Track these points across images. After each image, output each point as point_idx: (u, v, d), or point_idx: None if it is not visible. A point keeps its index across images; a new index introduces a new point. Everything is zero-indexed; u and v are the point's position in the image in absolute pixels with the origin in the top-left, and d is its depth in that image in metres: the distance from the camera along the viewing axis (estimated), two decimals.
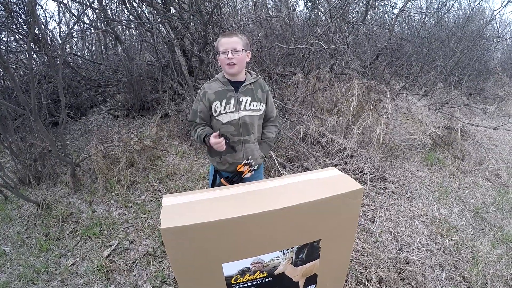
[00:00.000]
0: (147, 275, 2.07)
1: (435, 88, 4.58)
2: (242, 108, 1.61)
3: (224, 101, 1.58)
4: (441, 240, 2.52)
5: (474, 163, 3.72)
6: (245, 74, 1.66)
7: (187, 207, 1.28)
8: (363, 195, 2.81)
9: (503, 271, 2.26)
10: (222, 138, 1.52)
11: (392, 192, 2.90)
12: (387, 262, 2.17)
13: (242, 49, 1.54)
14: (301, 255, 1.42)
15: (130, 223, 2.55)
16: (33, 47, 3.31)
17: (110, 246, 2.32)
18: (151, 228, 2.46)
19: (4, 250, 2.47)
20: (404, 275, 2.10)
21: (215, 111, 1.60)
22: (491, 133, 4.77)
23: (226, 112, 1.60)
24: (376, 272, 2.05)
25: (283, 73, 3.95)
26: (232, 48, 1.51)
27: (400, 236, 2.47)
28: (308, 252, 1.43)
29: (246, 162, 1.67)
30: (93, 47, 5.51)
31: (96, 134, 3.22)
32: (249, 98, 1.62)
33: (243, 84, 1.61)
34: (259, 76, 1.74)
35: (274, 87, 3.47)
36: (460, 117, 4.31)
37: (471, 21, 5.72)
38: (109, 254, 2.25)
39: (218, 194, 1.40)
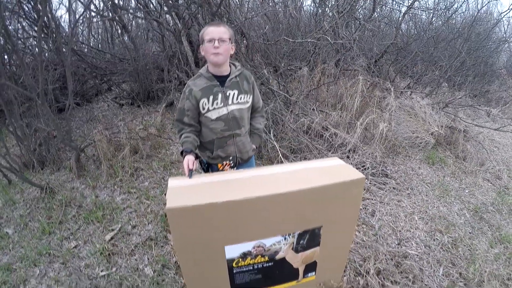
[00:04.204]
0: (148, 259, 2.10)
1: (440, 87, 4.59)
2: (230, 102, 1.59)
3: (211, 97, 1.56)
4: (439, 236, 2.54)
5: (475, 164, 3.74)
6: (230, 66, 1.64)
7: (192, 189, 1.30)
8: (364, 189, 2.83)
9: (500, 270, 2.28)
10: (192, 170, 1.45)
11: (393, 188, 2.92)
12: (385, 255, 2.19)
13: (229, 39, 1.53)
14: (302, 241, 1.44)
15: (133, 208, 2.58)
16: (42, 34, 3.32)
17: (113, 230, 2.36)
18: (154, 214, 2.49)
19: (6, 232, 2.50)
20: (402, 269, 2.13)
21: (203, 108, 1.57)
22: (493, 136, 4.79)
23: (215, 108, 1.58)
24: (375, 264, 2.07)
25: (289, 67, 3.96)
26: (219, 38, 1.48)
27: (399, 231, 2.49)
28: (309, 238, 1.45)
29: (227, 162, 1.69)
30: (99, 37, 5.53)
31: (101, 121, 3.25)
32: (236, 92, 1.60)
33: (229, 78, 1.59)
34: (243, 67, 1.73)
35: (280, 80, 3.48)
36: (463, 118, 4.32)
37: (478, 23, 5.71)
38: (111, 238, 2.28)
39: (223, 177, 1.42)
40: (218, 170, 1.71)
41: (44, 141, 3.20)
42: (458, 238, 2.55)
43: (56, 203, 2.68)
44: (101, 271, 2.03)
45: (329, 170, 1.47)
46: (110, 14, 3.86)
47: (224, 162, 1.69)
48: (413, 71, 4.90)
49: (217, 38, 1.48)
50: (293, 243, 1.43)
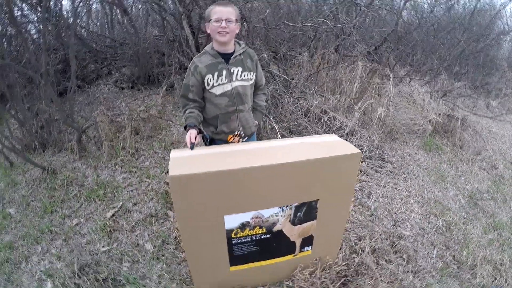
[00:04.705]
0: (148, 235, 2.15)
1: (439, 76, 4.60)
2: (234, 79, 1.64)
3: (216, 74, 1.60)
4: (434, 220, 2.59)
5: (472, 152, 3.78)
6: (234, 44, 1.68)
7: (194, 159, 1.34)
8: (361, 171, 2.88)
9: (493, 255, 2.32)
10: (194, 144, 1.49)
11: (390, 171, 2.97)
12: (381, 235, 2.23)
13: (235, 20, 1.56)
14: (299, 213, 1.49)
15: (134, 186, 2.62)
16: (46, 18, 3.31)
17: (114, 207, 2.40)
18: (154, 191, 2.53)
19: (9, 212, 2.55)
20: (396, 248, 2.16)
21: (208, 84, 1.62)
22: (491, 126, 4.83)
23: (219, 84, 1.62)
24: (370, 243, 2.11)
25: (289, 52, 3.97)
26: (227, 18, 1.52)
27: (395, 213, 2.54)
28: (306, 211, 1.50)
29: (236, 133, 1.73)
30: (98, 22, 5.51)
31: (102, 103, 3.28)
32: (240, 69, 1.65)
33: (233, 55, 1.63)
34: (247, 46, 1.76)
35: (279, 63, 3.49)
36: (462, 108, 4.35)
37: (480, 14, 5.68)
38: (113, 215, 2.33)
39: (223, 149, 1.46)
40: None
41: (46, 123, 3.23)
42: (453, 222, 2.60)
43: (58, 183, 2.72)
44: (102, 246, 2.08)
45: (326, 145, 1.51)
46: None
47: (236, 132, 1.73)
48: (412, 59, 4.90)
49: (224, 18, 1.51)
50: (290, 215, 1.48)
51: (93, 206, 2.46)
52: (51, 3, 3.09)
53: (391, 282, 1.89)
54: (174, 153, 1.41)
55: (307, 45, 4.09)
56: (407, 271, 2.00)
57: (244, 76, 1.67)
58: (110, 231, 2.19)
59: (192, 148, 1.43)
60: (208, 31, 1.61)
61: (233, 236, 1.45)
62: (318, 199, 1.48)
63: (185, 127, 1.58)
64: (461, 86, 4.86)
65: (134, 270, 1.91)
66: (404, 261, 2.06)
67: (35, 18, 3.43)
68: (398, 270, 1.96)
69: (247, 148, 1.48)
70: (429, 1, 5.15)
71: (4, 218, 2.48)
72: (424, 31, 4.68)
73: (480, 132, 4.19)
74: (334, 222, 1.66)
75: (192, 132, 1.50)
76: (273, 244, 1.55)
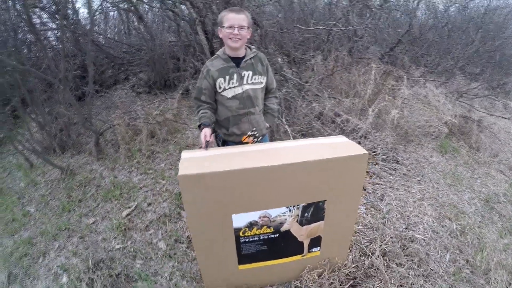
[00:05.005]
0: (162, 234, 2.21)
1: (454, 77, 4.50)
2: (244, 82, 1.69)
3: (227, 77, 1.66)
4: (448, 223, 2.53)
5: (489, 155, 3.67)
6: (245, 49, 1.73)
7: (203, 159, 1.39)
8: (374, 174, 2.85)
9: (508, 260, 2.24)
10: (208, 142, 1.55)
11: (403, 174, 2.93)
12: (392, 238, 2.21)
13: (247, 27, 1.62)
14: (306, 213, 1.51)
15: (149, 187, 2.70)
16: (63, 25, 3.46)
17: (129, 207, 2.48)
18: (169, 192, 2.60)
19: (28, 210, 2.68)
20: (408, 252, 2.13)
21: (220, 87, 1.68)
22: (510, 128, 4.66)
23: (230, 88, 1.68)
24: (381, 246, 2.10)
25: (302, 55, 4.00)
26: (239, 25, 1.57)
27: (408, 216, 2.50)
28: (314, 211, 1.51)
29: (250, 133, 1.77)
30: (116, 28, 5.70)
31: (119, 107, 3.39)
32: (250, 73, 1.70)
33: (244, 60, 1.69)
34: (258, 50, 1.81)
35: (293, 66, 3.52)
36: (478, 109, 4.23)
37: (494, 12, 5.53)
38: (128, 215, 2.41)
39: (232, 150, 1.50)
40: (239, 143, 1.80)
41: (65, 126, 3.36)
42: (467, 226, 2.53)
43: (76, 184, 2.83)
44: (117, 244, 2.16)
45: (334, 146, 1.52)
46: (126, 5, 3.98)
47: (250, 133, 1.77)
48: (427, 60, 4.82)
49: (237, 26, 1.57)
50: (298, 215, 1.50)
51: (109, 205, 2.55)
52: (69, 11, 3.22)
53: (401, 285, 1.87)
54: (185, 154, 1.46)
55: (321, 48, 4.10)
56: (418, 275, 1.97)
57: (255, 79, 1.72)
58: (125, 229, 2.27)
59: (207, 146, 1.49)
60: (220, 36, 1.67)
61: (241, 235, 1.48)
62: (325, 200, 1.50)
63: (199, 126, 1.64)
64: (478, 86, 4.72)
65: (147, 267, 1.97)
66: (416, 265, 2.02)
67: (54, 26, 3.59)
68: (409, 274, 1.94)
69: (255, 149, 1.52)
70: (444, 1, 5.06)
71: (24, 216, 2.61)
72: (438, 31, 4.59)
73: (498, 133, 4.07)
74: (342, 223, 1.66)
75: (207, 131, 1.56)
76: (281, 244, 1.57)
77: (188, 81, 3.78)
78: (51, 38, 3.95)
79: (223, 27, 1.60)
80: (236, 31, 1.57)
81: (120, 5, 4.02)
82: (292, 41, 3.80)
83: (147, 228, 2.27)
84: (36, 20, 3.78)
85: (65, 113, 3.10)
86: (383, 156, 2.95)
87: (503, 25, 5.29)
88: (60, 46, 3.38)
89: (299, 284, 1.75)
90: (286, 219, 1.49)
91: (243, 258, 1.57)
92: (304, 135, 3.08)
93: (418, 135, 3.55)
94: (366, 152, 1.44)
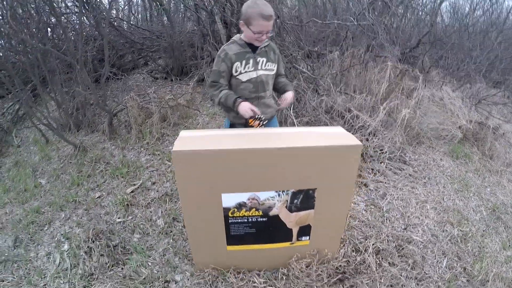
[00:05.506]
0: (162, 212, 2.30)
1: (474, 83, 4.34)
2: (259, 68, 1.78)
3: (243, 62, 1.73)
4: (449, 228, 2.47)
5: (502, 164, 3.54)
6: None
7: (199, 138, 1.44)
8: (379, 172, 2.82)
9: (509, 273, 2.18)
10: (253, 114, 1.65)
11: (409, 175, 2.88)
12: (388, 237, 2.19)
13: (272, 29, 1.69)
14: (296, 200, 1.52)
15: (155, 167, 2.80)
16: (83, 9, 3.58)
17: (134, 185, 2.59)
18: (173, 173, 2.67)
19: (40, 182, 2.85)
20: (403, 252, 2.10)
21: (236, 71, 1.74)
22: None
23: (246, 72, 1.75)
24: (375, 244, 2.07)
25: (321, 52, 3.99)
26: (267, 31, 1.65)
27: (408, 216, 2.46)
28: (303, 199, 1.53)
29: (256, 117, 1.80)
30: (139, 15, 5.84)
31: (134, 89, 3.50)
32: (264, 59, 1.79)
33: (259, 47, 1.76)
34: (270, 40, 1.88)
35: (307, 60, 3.53)
36: (496, 116, 4.07)
37: None
38: (132, 192, 2.51)
39: (230, 132, 1.55)
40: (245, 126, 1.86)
41: (81, 106, 3.51)
42: (470, 233, 2.46)
43: (87, 160, 2.97)
44: (118, 218, 2.27)
45: (328, 135, 1.53)
46: None
47: (256, 116, 1.79)
48: (447, 63, 4.67)
49: (265, 32, 1.64)
50: (287, 201, 1.52)
51: (115, 182, 2.66)
52: None
53: (391, 286, 1.86)
54: (183, 133, 1.51)
55: (339, 44, 4.07)
56: (411, 277, 1.95)
57: (268, 66, 1.81)
58: (128, 205, 2.38)
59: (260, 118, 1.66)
60: (243, 29, 1.72)
61: (230, 215, 1.52)
62: (316, 188, 1.51)
63: (234, 102, 1.68)
64: (497, 93, 4.53)
65: (144, 241, 2.06)
66: (409, 266, 2.00)
67: (76, 10, 3.72)
68: (400, 275, 1.92)
69: (253, 132, 1.56)
70: (470, 2, 4.88)
71: (35, 187, 2.77)
72: (460, 34, 4.44)
73: None
74: (333, 215, 1.67)
75: (247, 104, 1.65)
76: (269, 228, 1.60)
77: (204, 69, 3.84)
78: (76, 21, 4.09)
79: (250, 26, 1.64)
80: (264, 37, 1.67)
81: None
82: (310, 35, 3.78)
83: (148, 206, 2.36)
84: (61, 4, 3.96)
85: (81, 92, 3.23)
86: (390, 155, 2.91)
87: None
88: (83, 28, 3.52)
89: (286, 272, 1.77)
90: (275, 204, 1.51)
91: (231, 239, 1.61)
92: (311, 126, 3.08)
93: (430, 138, 3.47)
94: (360, 143, 1.44)
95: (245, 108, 1.64)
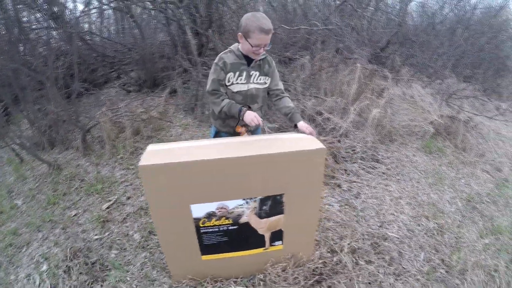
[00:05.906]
0: (137, 226, 2.28)
1: (444, 78, 4.51)
2: (251, 81, 1.79)
3: (237, 73, 1.75)
4: (425, 222, 2.53)
5: (475, 155, 3.67)
6: None
7: (166, 151, 1.45)
8: (352, 172, 2.88)
9: (487, 260, 2.22)
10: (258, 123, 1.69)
11: (382, 173, 2.95)
12: (363, 235, 2.23)
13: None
14: (264, 206, 1.55)
15: (129, 182, 2.78)
16: (52, 24, 3.54)
17: (110, 200, 2.56)
18: None
19: (16, 203, 2.77)
20: (379, 250, 2.13)
21: (228, 81, 1.76)
22: (500, 129, 4.66)
23: (238, 83, 1.77)
24: (350, 243, 2.10)
25: (292, 57, 4.05)
26: (265, 44, 1.65)
27: (383, 214, 2.51)
28: (272, 205, 1.55)
29: (243, 123, 1.82)
30: (111, 27, 5.79)
31: (106, 104, 3.47)
32: (257, 73, 1.80)
33: (254, 60, 1.76)
34: (267, 53, 1.85)
35: (280, 67, 3.58)
36: (468, 110, 4.23)
37: (482, 12, 5.51)
38: (108, 208, 2.48)
39: (196, 143, 1.56)
40: (232, 135, 1.89)
41: (54, 123, 3.45)
42: (446, 225, 2.52)
43: (62, 178, 2.91)
44: (95, 235, 2.23)
45: (293, 141, 1.57)
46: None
47: (242, 125, 1.84)
48: (416, 61, 4.83)
49: (263, 45, 1.65)
50: (256, 207, 1.54)
51: (91, 199, 2.62)
52: (56, 10, 3.30)
53: (369, 283, 1.88)
54: (151, 147, 1.52)
55: (310, 48, 4.15)
56: (388, 273, 1.98)
57: (260, 80, 1.82)
58: (104, 221, 2.35)
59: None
60: (241, 41, 1.71)
61: (201, 225, 1.53)
62: (283, 194, 1.53)
63: (239, 112, 1.70)
64: (468, 87, 4.71)
65: (121, 257, 2.03)
66: (386, 263, 2.03)
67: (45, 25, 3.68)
68: (378, 271, 1.95)
69: (219, 142, 1.58)
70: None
71: (12, 208, 2.70)
72: (427, 32, 4.60)
73: (486, 134, 4.06)
74: (304, 218, 1.69)
75: (252, 112, 1.68)
76: (241, 235, 1.61)
77: (176, 80, 3.85)
78: (44, 37, 4.03)
79: (248, 39, 1.63)
80: (261, 50, 1.66)
81: (112, 4, 4.10)
82: (280, 40, 3.85)
83: (124, 221, 2.34)
84: (30, 18, 3.89)
85: (53, 110, 3.18)
86: (362, 155, 2.98)
87: (486, 24, 5.27)
88: (51, 44, 3.48)
89: (263, 277, 1.78)
90: (243, 211, 1.53)
91: (205, 249, 1.62)
92: (282, 132, 3.11)
93: (403, 135, 3.57)
94: (323, 147, 1.48)
95: (251, 116, 1.67)
